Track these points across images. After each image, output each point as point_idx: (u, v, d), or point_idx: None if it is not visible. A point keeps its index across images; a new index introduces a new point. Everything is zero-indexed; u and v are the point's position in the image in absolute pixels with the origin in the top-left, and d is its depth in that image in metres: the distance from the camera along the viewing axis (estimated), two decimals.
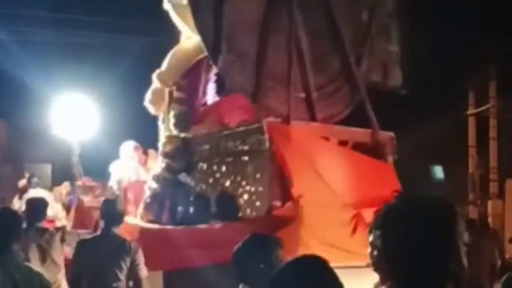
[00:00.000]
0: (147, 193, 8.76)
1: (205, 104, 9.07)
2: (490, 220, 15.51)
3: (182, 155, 8.58)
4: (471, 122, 17.07)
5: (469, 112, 17.05)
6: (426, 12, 14.35)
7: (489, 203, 16.34)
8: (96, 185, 10.69)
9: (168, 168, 8.62)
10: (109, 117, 11.10)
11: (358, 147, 8.84)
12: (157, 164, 8.92)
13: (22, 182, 13.00)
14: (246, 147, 7.93)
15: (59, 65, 12.71)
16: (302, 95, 8.57)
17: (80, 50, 13.51)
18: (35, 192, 12.03)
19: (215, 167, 8.31)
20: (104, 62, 13.12)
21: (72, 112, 10.43)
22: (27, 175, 13.16)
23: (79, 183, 10.64)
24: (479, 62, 16.22)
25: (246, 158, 7.93)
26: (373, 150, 8.87)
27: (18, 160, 15.59)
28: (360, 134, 8.91)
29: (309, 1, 8.88)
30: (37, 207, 8.21)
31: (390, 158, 9.06)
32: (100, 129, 10.82)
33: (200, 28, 7.91)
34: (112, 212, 7.09)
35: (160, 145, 8.84)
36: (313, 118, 8.55)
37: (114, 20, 13.35)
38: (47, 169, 15.98)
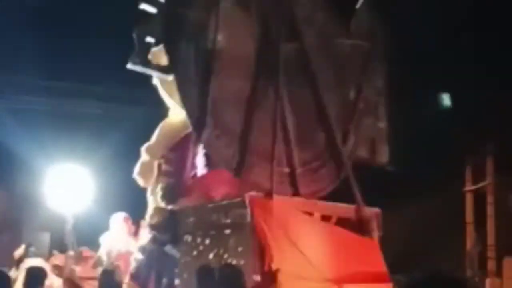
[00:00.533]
0: (134, 264, 8.89)
1: (194, 176, 9.27)
2: None
3: (168, 227, 8.73)
4: (469, 198, 17.05)
5: (467, 188, 17.07)
6: (422, 87, 14.58)
7: (487, 281, 16.21)
8: (90, 256, 10.77)
9: (154, 240, 8.78)
10: (104, 188, 11.28)
11: (343, 222, 8.97)
12: (144, 235, 9.07)
13: (19, 252, 13.05)
14: (228, 221, 8.09)
15: (53, 135, 12.90)
16: (287, 170, 8.75)
17: (74, 119, 13.67)
18: (32, 262, 12.08)
19: (199, 240, 8.45)
20: (99, 132, 13.28)
21: (66, 183, 10.64)
22: (23, 245, 13.22)
23: (71, 253, 10.75)
24: (476, 138, 16.35)
25: (228, 231, 8.08)
26: (357, 225, 8.99)
27: (16, 229, 15.67)
28: (344, 209, 9.05)
29: (296, 79, 9.13)
30: (37, 276, 8.20)
31: (376, 234, 9.16)
32: (94, 199, 10.98)
33: (185, 103, 8.16)
34: (110, 283, 7.18)
35: (147, 216, 9.00)
36: (296, 193, 8.70)
37: (109, 90, 13.60)
38: (45, 237, 16.05)
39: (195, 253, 8.48)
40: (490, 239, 16.44)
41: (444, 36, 14.19)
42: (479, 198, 16.94)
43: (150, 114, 10.35)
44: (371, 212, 9.19)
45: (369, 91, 10.06)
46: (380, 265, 8.82)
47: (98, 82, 13.58)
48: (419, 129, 15.19)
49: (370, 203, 9.38)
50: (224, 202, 8.23)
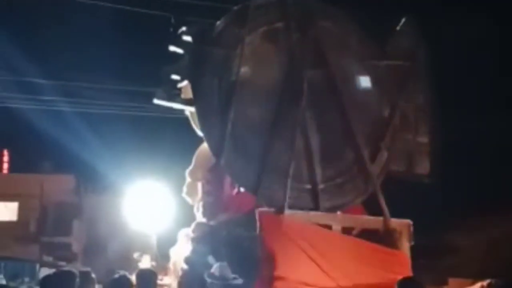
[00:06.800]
0: (180, 273, 9.99)
1: (238, 193, 10.20)
2: None
3: (208, 240, 9.73)
4: None
5: None
6: None
7: None
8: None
9: (195, 252, 9.81)
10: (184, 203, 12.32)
11: (369, 234, 9.48)
12: (188, 248, 10.15)
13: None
14: (246, 234, 8.97)
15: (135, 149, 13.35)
16: (308, 186, 9.42)
17: (155, 127, 13.62)
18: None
19: (229, 252, 9.39)
20: (180, 141, 13.35)
21: (147, 201, 11.92)
22: (136, 253, 14.66)
23: (153, 263, 12.08)
24: None
25: (246, 243, 8.96)
26: (384, 237, 9.46)
27: (125, 235, 17.06)
28: (368, 221, 9.57)
29: (322, 101, 9.73)
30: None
31: (406, 245, 9.55)
32: (175, 215, 12.12)
33: (205, 130, 9.11)
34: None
35: (190, 231, 10.08)
36: (317, 207, 9.34)
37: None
38: (152, 240, 17.40)
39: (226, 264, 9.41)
40: None
41: None
42: None
43: None
44: (401, 223, 9.59)
45: (408, 107, 10.41)
46: (405, 274, 9.23)
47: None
48: None
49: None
50: (244, 217, 9.12)
